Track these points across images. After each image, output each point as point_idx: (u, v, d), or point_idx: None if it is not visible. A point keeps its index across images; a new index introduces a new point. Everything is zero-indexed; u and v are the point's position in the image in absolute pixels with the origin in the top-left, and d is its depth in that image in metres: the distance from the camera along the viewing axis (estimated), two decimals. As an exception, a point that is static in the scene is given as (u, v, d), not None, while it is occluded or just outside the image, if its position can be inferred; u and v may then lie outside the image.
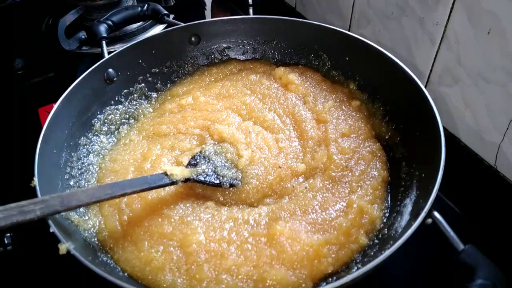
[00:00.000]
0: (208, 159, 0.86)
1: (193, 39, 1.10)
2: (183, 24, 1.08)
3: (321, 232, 0.75)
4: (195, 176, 0.81)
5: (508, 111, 0.88)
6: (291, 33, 1.10)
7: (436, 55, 0.99)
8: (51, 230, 0.64)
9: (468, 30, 0.90)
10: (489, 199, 0.93)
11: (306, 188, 0.82)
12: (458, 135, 1.01)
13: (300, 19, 1.09)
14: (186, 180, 0.80)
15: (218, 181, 0.83)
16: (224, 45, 1.14)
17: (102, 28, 1.07)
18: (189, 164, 0.84)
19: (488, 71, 0.89)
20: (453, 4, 0.91)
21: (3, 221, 0.55)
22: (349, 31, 1.13)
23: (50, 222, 0.65)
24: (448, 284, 0.77)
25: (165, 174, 0.78)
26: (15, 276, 0.85)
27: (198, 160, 0.85)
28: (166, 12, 1.14)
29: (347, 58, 1.04)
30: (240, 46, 1.14)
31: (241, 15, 1.12)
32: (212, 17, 1.44)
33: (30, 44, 1.39)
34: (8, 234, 0.82)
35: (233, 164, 0.87)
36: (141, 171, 0.87)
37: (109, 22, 1.09)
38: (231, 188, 0.83)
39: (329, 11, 1.31)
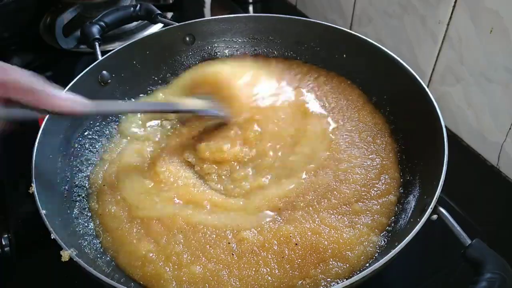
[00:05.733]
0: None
1: (187, 39, 1.07)
2: (176, 24, 1.06)
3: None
4: (200, 108, 0.88)
5: (511, 111, 0.87)
6: (287, 31, 1.08)
7: (438, 54, 0.98)
8: (52, 237, 0.63)
9: (470, 28, 0.89)
10: (491, 200, 0.92)
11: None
12: (460, 135, 1.01)
13: (296, 17, 1.07)
14: (191, 111, 0.89)
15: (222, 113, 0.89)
16: (221, 44, 1.12)
17: (95, 30, 1.04)
18: None
19: (490, 71, 0.88)
20: (455, 2, 0.91)
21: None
22: (350, 29, 1.12)
23: (51, 229, 0.64)
24: (455, 280, 0.77)
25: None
26: (12, 281, 0.83)
27: None
28: (159, 11, 1.12)
29: (345, 56, 1.03)
30: (236, 45, 1.13)
31: (241, 13, 1.11)
32: (212, 16, 1.43)
33: (27, 43, 1.38)
34: (6, 235, 0.81)
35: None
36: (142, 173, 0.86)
37: (102, 23, 1.06)
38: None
39: (330, 9, 1.30)
